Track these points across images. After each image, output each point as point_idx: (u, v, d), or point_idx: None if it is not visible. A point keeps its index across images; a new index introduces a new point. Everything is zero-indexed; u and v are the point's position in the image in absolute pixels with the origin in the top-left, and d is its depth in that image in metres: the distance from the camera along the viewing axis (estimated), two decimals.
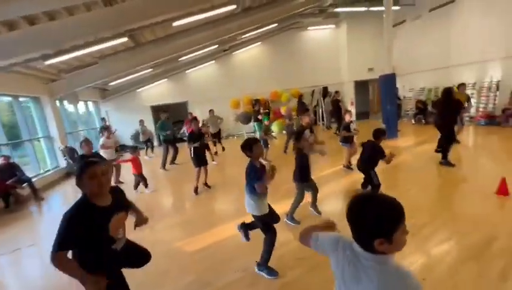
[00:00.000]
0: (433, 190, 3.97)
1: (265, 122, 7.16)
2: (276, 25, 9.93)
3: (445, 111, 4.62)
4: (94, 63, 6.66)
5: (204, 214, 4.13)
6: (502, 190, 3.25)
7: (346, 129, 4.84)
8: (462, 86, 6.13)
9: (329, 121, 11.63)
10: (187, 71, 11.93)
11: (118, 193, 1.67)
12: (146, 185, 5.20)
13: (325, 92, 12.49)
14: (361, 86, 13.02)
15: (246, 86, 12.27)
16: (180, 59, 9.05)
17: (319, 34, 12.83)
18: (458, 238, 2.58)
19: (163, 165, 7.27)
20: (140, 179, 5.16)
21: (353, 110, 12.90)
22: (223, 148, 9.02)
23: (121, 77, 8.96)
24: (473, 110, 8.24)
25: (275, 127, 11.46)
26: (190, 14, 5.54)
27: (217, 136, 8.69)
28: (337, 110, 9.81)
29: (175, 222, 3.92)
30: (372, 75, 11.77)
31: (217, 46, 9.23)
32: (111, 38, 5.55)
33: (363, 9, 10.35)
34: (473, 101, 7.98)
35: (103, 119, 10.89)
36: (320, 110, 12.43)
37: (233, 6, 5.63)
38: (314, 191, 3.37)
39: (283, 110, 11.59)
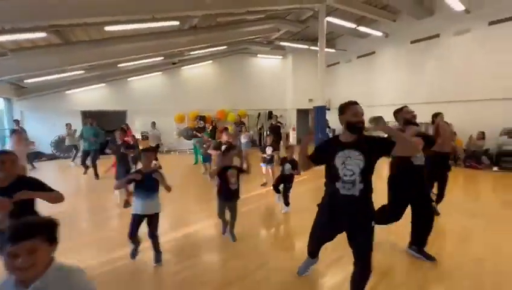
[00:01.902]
0: None
1: (205, 137, 7.09)
2: (225, 47, 10.29)
3: None
4: (3, 55, 5.71)
5: (124, 230, 3.69)
6: None
7: (262, 151, 5.24)
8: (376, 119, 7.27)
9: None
10: (129, 79, 11.21)
11: (23, 183, 1.85)
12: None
13: (270, 116, 13.17)
14: (303, 114, 14.19)
15: (193, 102, 12.11)
16: (119, 65, 8.48)
17: (267, 62, 13.76)
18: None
19: (96, 174, 6.71)
20: None
21: (294, 135, 13.86)
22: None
23: (41, 75, 7.87)
24: None
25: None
26: (129, 21, 5.33)
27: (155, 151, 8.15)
28: (277, 134, 10.37)
29: (88, 239, 3.40)
30: (312, 105, 12.97)
31: (163, 58, 9.01)
32: (28, 31, 4.91)
33: (305, 46, 11.60)
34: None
35: (16, 121, 9.16)
36: (265, 133, 12.99)
37: (176, 23, 5.65)
38: (232, 214, 3.26)
39: (230, 130, 11.73)
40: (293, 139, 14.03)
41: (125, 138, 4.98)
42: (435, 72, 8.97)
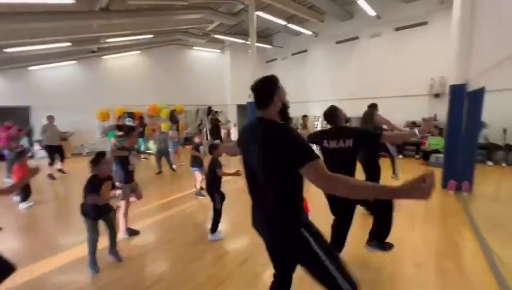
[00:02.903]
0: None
1: (112, 139, 6.19)
2: (152, 36, 9.35)
3: None
4: None
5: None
6: (305, 208, 3.88)
7: (196, 150, 4.63)
8: (305, 117, 7.60)
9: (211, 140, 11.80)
10: (31, 68, 9.26)
11: None
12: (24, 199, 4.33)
13: (209, 111, 12.68)
14: (244, 110, 14.11)
15: (119, 97, 10.78)
16: (6, 50, 6.83)
17: (205, 55, 13.17)
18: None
19: None
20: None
21: (235, 131, 13.71)
22: (62, 171, 6.67)
23: None
24: None
25: (152, 145, 10.48)
26: None
27: (59, 152, 6.60)
28: (215, 130, 10.03)
29: None
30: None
31: (71, 44, 7.64)
32: None
33: (241, 41, 11.42)
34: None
35: None
36: (205, 129, 12.49)
37: (71, 1, 4.71)
38: (111, 231, 2.64)
39: (163, 127, 10.84)
40: (234, 135, 13.87)
41: None
42: (355, 71, 9.85)
